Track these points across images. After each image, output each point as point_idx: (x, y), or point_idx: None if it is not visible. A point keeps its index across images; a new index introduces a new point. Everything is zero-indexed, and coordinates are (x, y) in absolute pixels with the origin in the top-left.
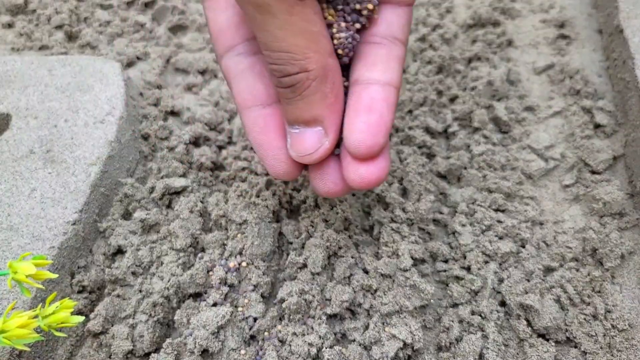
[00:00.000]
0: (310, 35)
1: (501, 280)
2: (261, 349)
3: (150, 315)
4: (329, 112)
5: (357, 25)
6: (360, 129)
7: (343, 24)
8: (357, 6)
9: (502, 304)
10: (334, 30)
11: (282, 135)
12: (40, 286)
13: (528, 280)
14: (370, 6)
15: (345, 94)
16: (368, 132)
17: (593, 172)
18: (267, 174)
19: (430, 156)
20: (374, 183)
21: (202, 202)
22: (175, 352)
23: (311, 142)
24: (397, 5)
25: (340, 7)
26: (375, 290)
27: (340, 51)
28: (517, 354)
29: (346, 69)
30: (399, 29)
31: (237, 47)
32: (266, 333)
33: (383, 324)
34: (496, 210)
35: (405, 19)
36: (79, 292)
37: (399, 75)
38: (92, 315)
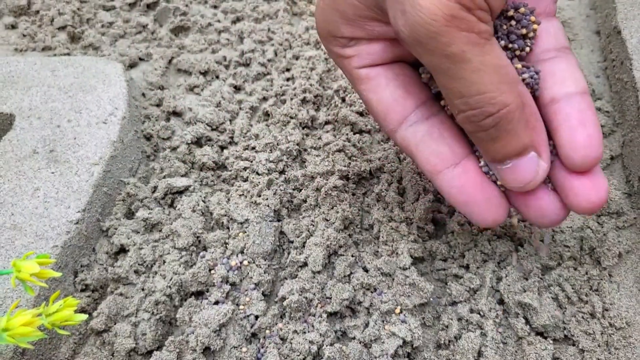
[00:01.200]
0: (501, 70)
1: (499, 279)
2: (262, 347)
3: (153, 313)
4: (536, 136)
5: (527, 49)
6: (584, 144)
7: (519, 65)
8: (524, 31)
9: (501, 302)
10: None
11: (481, 188)
12: (44, 284)
13: (526, 279)
14: (535, 26)
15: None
16: (592, 145)
17: None
18: (268, 173)
19: None
20: (603, 201)
21: (204, 201)
22: (177, 350)
23: (529, 170)
24: (546, 16)
25: (502, 41)
26: (375, 289)
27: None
28: (516, 351)
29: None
30: (563, 37)
31: (409, 117)
32: (267, 331)
33: (383, 321)
34: None
35: (560, 26)
36: (82, 290)
37: (585, 82)
38: (95, 314)
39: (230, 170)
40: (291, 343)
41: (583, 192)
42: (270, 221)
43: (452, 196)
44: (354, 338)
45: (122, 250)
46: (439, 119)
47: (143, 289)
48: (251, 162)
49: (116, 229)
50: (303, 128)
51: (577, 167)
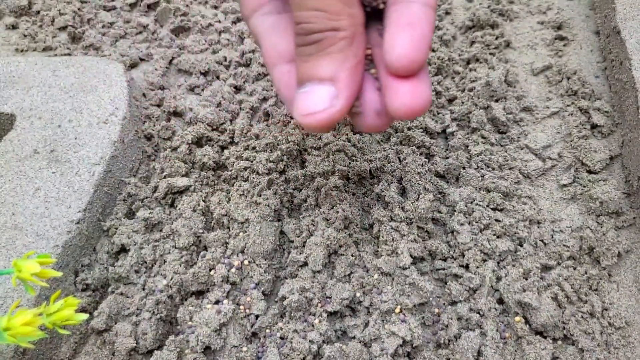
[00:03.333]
0: (351, 1)
1: (499, 278)
2: (263, 346)
3: (153, 313)
4: (347, 75)
5: None
6: (403, 44)
7: None
8: None
9: (500, 301)
10: None
11: None
12: (45, 284)
13: (526, 279)
14: None
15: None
16: (411, 46)
17: (590, 172)
18: (268, 173)
19: (429, 156)
20: (419, 107)
21: (204, 201)
22: (178, 349)
23: (320, 99)
24: None
25: None
26: (375, 288)
27: None
28: (515, 351)
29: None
30: None
31: (263, 7)
32: (267, 330)
33: (383, 321)
34: (494, 209)
35: None
36: (83, 290)
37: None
38: (95, 313)
39: (231, 170)
40: (291, 342)
41: (399, 94)
42: (270, 221)
43: (280, 90)
44: (354, 337)
45: (123, 249)
46: (290, 16)
47: (144, 289)
48: (251, 162)
49: (117, 228)
50: (303, 128)
51: (394, 69)
